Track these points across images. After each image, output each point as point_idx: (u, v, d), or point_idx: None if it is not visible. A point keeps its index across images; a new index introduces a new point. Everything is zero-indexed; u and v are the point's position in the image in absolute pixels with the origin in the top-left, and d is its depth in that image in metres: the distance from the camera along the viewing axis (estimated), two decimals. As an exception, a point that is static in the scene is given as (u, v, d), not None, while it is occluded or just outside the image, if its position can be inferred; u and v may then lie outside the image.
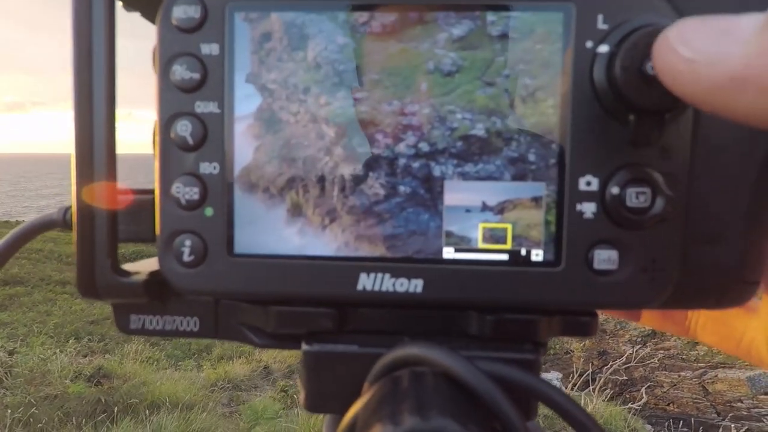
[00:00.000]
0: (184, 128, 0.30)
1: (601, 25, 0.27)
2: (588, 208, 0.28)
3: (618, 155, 0.28)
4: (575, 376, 5.58)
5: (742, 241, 0.29)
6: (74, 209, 0.31)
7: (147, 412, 4.12)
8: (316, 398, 0.31)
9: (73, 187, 0.30)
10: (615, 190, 0.27)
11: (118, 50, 0.31)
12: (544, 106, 0.28)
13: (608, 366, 7.08)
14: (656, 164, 0.27)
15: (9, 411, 3.78)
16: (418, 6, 0.28)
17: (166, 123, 0.30)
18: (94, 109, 0.30)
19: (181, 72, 0.29)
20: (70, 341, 5.72)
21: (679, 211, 0.28)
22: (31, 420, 3.81)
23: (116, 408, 4.11)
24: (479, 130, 0.28)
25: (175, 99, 0.30)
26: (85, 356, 5.54)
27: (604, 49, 0.27)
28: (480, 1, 0.28)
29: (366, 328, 0.31)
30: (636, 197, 0.27)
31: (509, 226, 0.29)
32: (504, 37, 0.28)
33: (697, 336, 0.38)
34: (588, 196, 0.28)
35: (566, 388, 5.42)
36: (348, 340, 0.31)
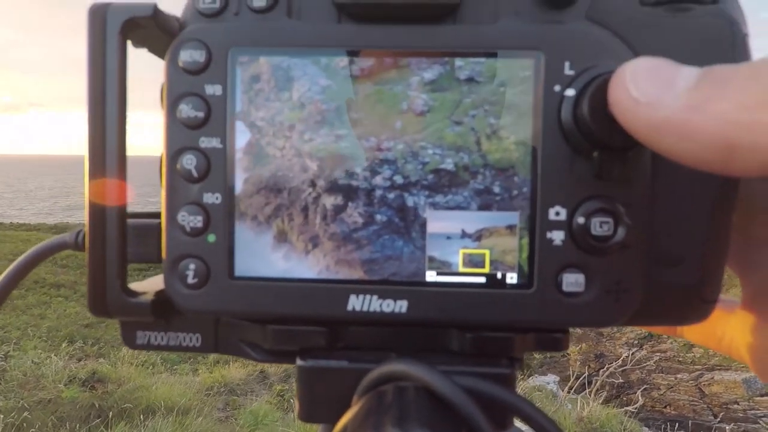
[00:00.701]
0: (189, 162, 0.32)
1: (568, 71, 0.30)
2: (557, 236, 0.31)
3: (584, 188, 0.30)
4: (572, 379, 5.58)
5: (702, 263, 0.32)
6: (87, 233, 0.33)
7: (142, 416, 4.09)
8: (309, 409, 0.34)
9: (86, 213, 0.32)
10: (581, 219, 0.30)
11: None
12: (508, 143, 0.31)
13: (605, 369, 7.09)
14: (618, 196, 0.30)
15: (2, 416, 3.74)
16: (393, 52, 0.31)
17: (172, 156, 0.33)
18: (107, 144, 0.32)
19: (187, 110, 0.32)
20: (64, 345, 5.69)
21: (641, 237, 0.31)
22: (24, 425, 3.78)
23: (111, 413, 4.08)
24: (448, 165, 0.31)
25: (181, 134, 0.32)
26: (79, 360, 5.51)
27: (570, 92, 0.30)
28: (450, 49, 0.31)
29: (355, 345, 0.34)
30: (600, 226, 0.30)
31: (486, 252, 0.32)
32: (471, 80, 0.31)
33: (684, 334, 0.41)
34: (557, 225, 0.31)
35: (563, 390, 5.42)
36: (339, 356, 0.34)
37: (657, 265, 0.32)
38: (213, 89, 0.32)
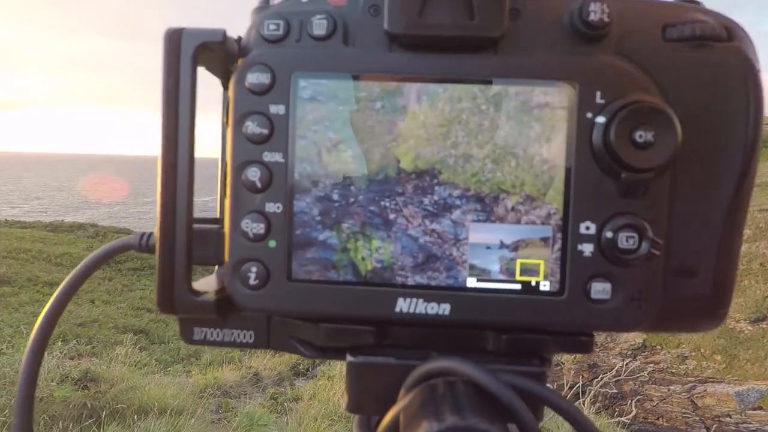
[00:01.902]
0: (253, 174, 0.35)
1: (599, 100, 0.33)
2: (587, 248, 0.34)
3: (612, 205, 0.34)
4: (566, 389, 5.59)
5: (714, 276, 0.35)
6: (158, 237, 0.35)
7: (135, 417, 4.07)
8: (357, 401, 0.37)
9: (158, 219, 0.35)
10: (609, 234, 0.33)
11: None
12: (544, 164, 0.34)
13: (598, 379, 7.10)
14: (643, 213, 0.34)
15: (-7, 414, 3.71)
16: (440, 78, 0.34)
17: (237, 168, 0.36)
18: (179, 156, 0.35)
19: (252, 127, 0.35)
20: (57, 344, 5.65)
21: (661, 250, 0.34)
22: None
23: (103, 412, 4.06)
24: (491, 181, 0.34)
25: (246, 149, 0.35)
26: (72, 359, 5.47)
27: (601, 119, 0.33)
28: (492, 77, 0.34)
29: (400, 344, 0.37)
30: (626, 240, 0.33)
31: (522, 261, 0.35)
32: (511, 106, 0.34)
33: None
34: (587, 239, 0.34)
35: (557, 400, 5.41)
36: (386, 353, 0.37)
37: (673, 277, 0.35)
38: (276, 108, 0.35)
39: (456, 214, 0.35)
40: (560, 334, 0.36)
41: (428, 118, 0.34)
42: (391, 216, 0.35)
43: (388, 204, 0.35)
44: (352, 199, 0.35)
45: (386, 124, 0.35)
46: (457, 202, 0.35)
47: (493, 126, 0.34)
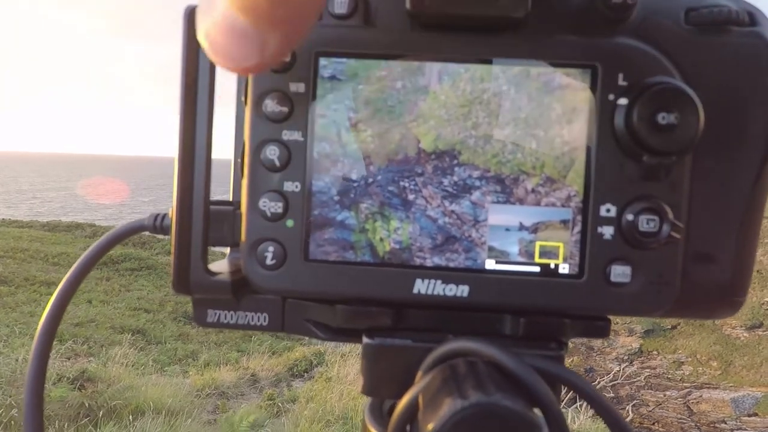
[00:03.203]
0: (272, 152, 0.35)
1: (621, 82, 0.33)
2: (607, 231, 0.34)
3: (633, 188, 0.33)
4: (563, 392, 5.59)
5: (732, 263, 0.35)
6: (174, 218, 0.35)
7: (131, 417, 4.05)
8: (373, 383, 0.36)
9: (175, 200, 0.35)
10: (630, 216, 0.33)
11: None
12: (566, 145, 0.34)
13: (595, 383, 7.11)
14: (664, 196, 0.33)
15: (-11, 413, 3.69)
16: (462, 58, 0.34)
17: (256, 147, 0.35)
18: (196, 138, 0.35)
19: (272, 105, 0.35)
20: (54, 343, 5.62)
21: (681, 234, 0.33)
22: (12, 423, 3.73)
23: (100, 412, 4.04)
24: (512, 162, 0.34)
25: (265, 127, 0.35)
26: (69, 359, 5.45)
27: (623, 101, 0.33)
28: (514, 58, 0.34)
29: (417, 326, 0.36)
30: (647, 223, 0.33)
31: (541, 244, 0.34)
32: (534, 87, 0.34)
33: None
34: (607, 221, 0.34)
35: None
36: (403, 335, 0.36)
37: (692, 262, 0.35)
38: (297, 87, 0.35)
39: (476, 195, 0.35)
40: (578, 318, 0.35)
41: (449, 99, 0.34)
42: (410, 196, 0.35)
43: (407, 184, 0.35)
44: (371, 180, 0.35)
45: (407, 104, 0.35)
46: (477, 183, 0.34)
47: (514, 107, 0.34)
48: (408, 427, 0.31)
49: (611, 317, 0.37)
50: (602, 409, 0.33)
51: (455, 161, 0.34)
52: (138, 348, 6.65)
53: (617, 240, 0.34)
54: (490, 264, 0.35)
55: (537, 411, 0.30)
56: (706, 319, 0.39)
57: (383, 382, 0.36)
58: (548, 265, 0.34)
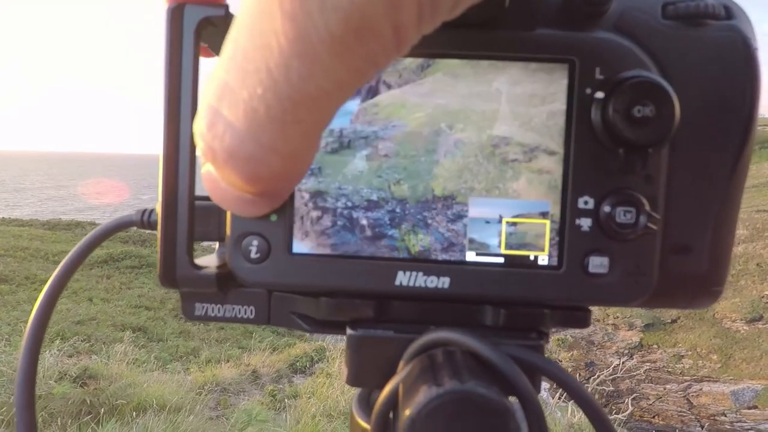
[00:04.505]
0: None
1: (598, 76, 0.34)
2: (585, 223, 0.34)
3: (610, 180, 0.34)
4: (563, 387, 5.59)
5: (709, 251, 0.36)
6: (160, 212, 0.36)
7: (133, 414, 4.07)
8: (357, 374, 0.37)
9: (160, 195, 0.35)
10: (607, 208, 0.34)
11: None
12: (544, 138, 0.34)
13: (595, 377, 7.13)
14: (640, 188, 0.34)
15: (-8, 411, 3.71)
16: (441, 53, 0.34)
17: None
18: (180, 134, 0.35)
19: None
20: (56, 341, 5.64)
21: (658, 226, 0.34)
22: (14, 420, 3.75)
23: (102, 409, 4.07)
24: (491, 155, 0.35)
25: None
26: (71, 357, 5.47)
27: (600, 95, 0.33)
28: (493, 52, 0.34)
29: (400, 317, 0.37)
30: (624, 215, 0.34)
31: (521, 236, 0.35)
32: (512, 82, 0.34)
33: None
34: (585, 213, 0.34)
35: (553, 398, 5.44)
36: (385, 327, 0.37)
37: (670, 253, 0.36)
38: None
39: (457, 187, 0.35)
40: (558, 308, 0.36)
41: (428, 91, 0.35)
42: (392, 187, 0.35)
43: (388, 177, 0.35)
44: (353, 173, 0.35)
45: (393, 97, 0.35)
46: (458, 176, 0.35)
47: (493, 103, 0.34)
48: (391, 415, 0.32)
49: (592, 307, 0.38)
50: (579, 398, 0.34)
51: (438, 154, 0.35)
52: (139, 345, 6.67)
53: (595, 232, 0.34)
54: (471, 256, 0.35)
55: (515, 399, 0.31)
56: (685, 308, 0.40)
57: (367, 372, 0.36)
58: (528, 256, 0.35)
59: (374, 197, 0.36)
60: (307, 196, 0.36)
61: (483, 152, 0.35)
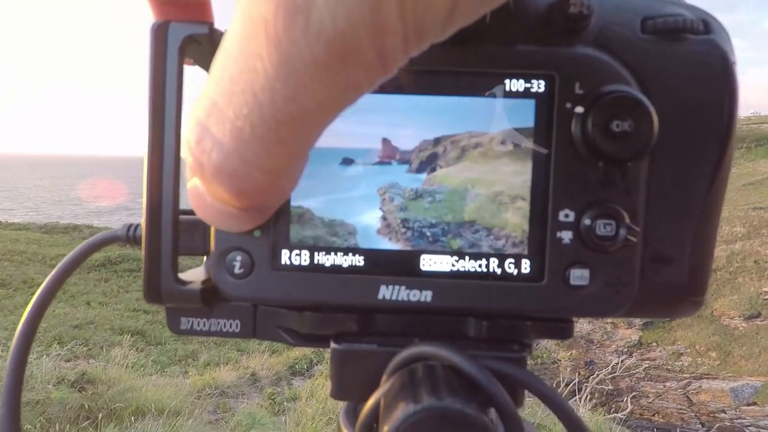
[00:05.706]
0: None
1: (578, 90, 0.34)
2: (566, 235, 0.35)
3: (590, 194, 0.35)
4: (562, 386, 5.61)
5: (689, 262, 0.36)
6: (144, 228, 0.36)
7: (132, 418, 4.07)
8: (341, 388, 0.37)
9: (145, 210, 0.36)
10: (587, 221, 0.34)
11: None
12: (524, 153, 0.35)
13: (594, 375, 7.14)
14: (620, 201, 0.34)
15: (-10, 416, 3.69)
16: (424, 70, 0.35)
17: None
18: (164, 150, 0.35)
19: None
20: (54, 346, 5.64)
21: (638, 237, 0.35)
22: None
23: (100, 414, 4.06)
24: (474, 170, 0.35)
25: None
26: (69, 361, 5.46)
27: (580, 109, 0.34)
28: (474, 68, 0.35)
29: (383, 331, 0.37)
30: (604, 227, 0.34)
31: (503, 249, 0.36)
32: (493, 96, 0.35)
33: None
34: (566, 226, 0.35)
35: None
36: (369, 340, 0.37)
37: (650, 264, 0.36)
38: None
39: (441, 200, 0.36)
40: (540, 320, 0.37)
41: (410, 107, 0.35)
42: (375, 202, 0.36)
43: (372, 190, 0.36)
44: (335, 189, 0.36)
45: (372, 111, 0.35)
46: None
47: (474, 114, 0.35)
48: (376, 427, 0.32)
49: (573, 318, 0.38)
50: (560, 411, 0.33)
51: (423, 167, 0.36)
52: (138, 349, 6.66)
53: (576, 244, 0.35)
54: (454, 269, 0.36)
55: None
56: (667, 318, 0.40)
57: (351, 386, 0.37)
58: (510, 269, 0.36)
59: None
60: (290, 213, 0.36)
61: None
